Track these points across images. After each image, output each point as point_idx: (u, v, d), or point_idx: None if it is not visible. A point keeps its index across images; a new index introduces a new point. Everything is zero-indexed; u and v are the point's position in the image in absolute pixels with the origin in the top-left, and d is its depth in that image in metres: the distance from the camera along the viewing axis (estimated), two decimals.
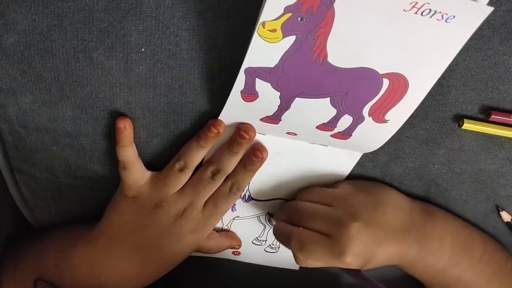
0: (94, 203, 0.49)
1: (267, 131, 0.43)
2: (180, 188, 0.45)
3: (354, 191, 0.46)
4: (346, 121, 0.40)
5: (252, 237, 0.54)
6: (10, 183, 0.48)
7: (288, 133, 0.43)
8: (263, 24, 0.32)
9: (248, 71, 0.36)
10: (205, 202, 0.46)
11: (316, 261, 0.44)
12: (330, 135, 0.42)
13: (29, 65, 0.38)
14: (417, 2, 0.30)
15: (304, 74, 0.36)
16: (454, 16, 0.31)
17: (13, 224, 0.54)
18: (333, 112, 0.39)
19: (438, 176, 0.47)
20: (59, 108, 0.41)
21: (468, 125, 0.42)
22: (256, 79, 0.36)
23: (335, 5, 0.31)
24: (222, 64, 0.39)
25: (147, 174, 0.45)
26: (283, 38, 0.33)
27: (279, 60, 0.35)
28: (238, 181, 0.45)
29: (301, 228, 0.44)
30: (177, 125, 0.42)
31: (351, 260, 0.42)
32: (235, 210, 0.50)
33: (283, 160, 0.46)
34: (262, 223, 0.52)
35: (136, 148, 0.44)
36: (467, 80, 0.40)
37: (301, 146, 0.45)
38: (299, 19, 0.32)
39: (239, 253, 0.55)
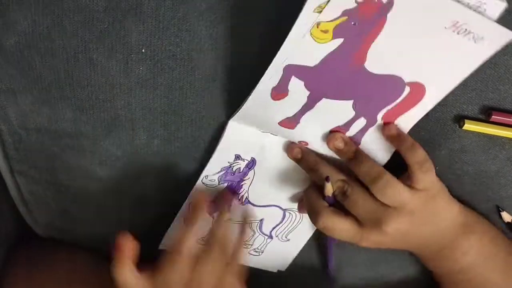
0: (94, 204, 0.49)
1: (281, 135, 0.43)
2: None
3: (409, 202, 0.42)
4: (359, 124, 0.41)
5: None
6: (10, 184, 0.48)
7: (300, 141, 0.43)
8: (318, 24, 0.33)
9: (288, 68, 0.36)
10: None
11: (337, 236, 0.43)
12: None
13: (29, 65, 0.38)
14: (458, 22, 0.32)
15: (339, 76, 0.37)
16: (483, 38, 0.33)
17: (13, 225, 0.54)
18: (351, 114, 0.40)
19: (439, 177, 0.47)
20: (59, 109, 0.41)
21: (468, 126, 0.42)
22: (292, 77, 0.37)
23: (388, 14, 0.32)
24: (223, 65, 0.39)
25: None
26: (331, 39, 0.34)
27: (320, 61, 0.35)
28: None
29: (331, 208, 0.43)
30: (178, 126, 0.42)
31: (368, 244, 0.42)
32: (229, 212, 0.50)
33: (290, 166, 0.46)
34: (252, 229, 0.52)
35: (136, 149, 0.44)
36: (467, 80, 0.40)
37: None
38: (352, 23, 0.33)
39: None
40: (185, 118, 0.42)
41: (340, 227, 0.42)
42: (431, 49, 0.35)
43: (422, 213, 0.42)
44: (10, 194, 0.49)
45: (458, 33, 0.34)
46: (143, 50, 0.38)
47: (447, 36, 0.34)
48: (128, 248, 0.40)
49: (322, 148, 0.44)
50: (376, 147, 0.43)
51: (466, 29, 0.33)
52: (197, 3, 0.36)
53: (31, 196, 0.49)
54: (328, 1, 0.31)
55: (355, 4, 0.32)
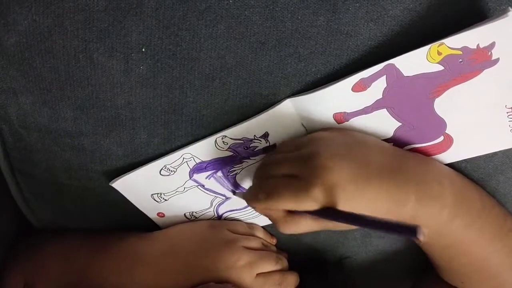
0: (94, 203, 0.49)
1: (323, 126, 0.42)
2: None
3: (328, 133, 0.40)
4: None
5: (188, 210, 0.51)
6: (11, 183, 0.48)
7: None
8: (440, 44, 0.35)
9: (388, 67, 0.37)
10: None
11: (286, 205, 0.37)
12: None
13: (30, 65, 0.38)
14: None
15: (412, 97, 0.38)
16: None
17: (15, 224, 0.54)
18: (387, 136, 0.41)
19: None
20: (59, 109, 0.41)
21: None
22: (382, 76, 0.37)
23: (486, 70, 0.35)
24: (223, 64, 0.39)
25: None
26: (437, 63, 0.36)
27: (414, 75, 0.37)
28: None
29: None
30: (178, 125, 0.42)
31: (320, 193, 0.35)
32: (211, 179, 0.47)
33: None
34: (212, 203, 0.50)
35: (137, 148, 0.44)
36: None
37: None
38: (460, 60, 0.35)
39: (163, 215, 0.51)
40: (185, 117, 0.42)
41: (279, 183, 0.38)
42: (484, 117, 0.38)
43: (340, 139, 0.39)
44: (11, 193, 0.50)
45: (508, 116, 0.37)
46: (143, 50, 0.38)
47: (500, 112, 0.37)
48: None
49: None
50: None
51: None
52: (197, 2, 0.36)
53: (32, 194, 0.49)
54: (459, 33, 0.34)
55: (474, 47, 0.34)
